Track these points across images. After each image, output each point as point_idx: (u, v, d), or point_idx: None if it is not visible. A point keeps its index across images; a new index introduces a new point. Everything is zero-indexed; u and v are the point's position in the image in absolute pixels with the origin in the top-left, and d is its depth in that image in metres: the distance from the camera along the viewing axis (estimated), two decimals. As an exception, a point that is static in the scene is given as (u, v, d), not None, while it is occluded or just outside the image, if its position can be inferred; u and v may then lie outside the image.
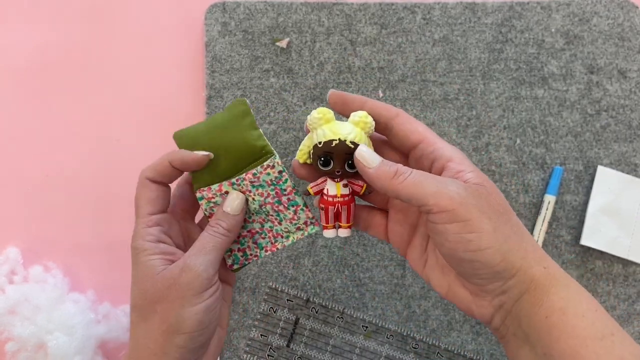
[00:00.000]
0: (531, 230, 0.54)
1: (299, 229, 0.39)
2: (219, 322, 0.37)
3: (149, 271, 0.35)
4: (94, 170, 0.55)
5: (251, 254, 0.40)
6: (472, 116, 0.56)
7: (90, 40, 0.57)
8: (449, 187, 0.32)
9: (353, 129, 0.35)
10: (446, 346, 0.51)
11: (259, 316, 0.52)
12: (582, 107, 0.56)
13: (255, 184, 0.37)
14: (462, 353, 0.51)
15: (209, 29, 0.56)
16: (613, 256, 0.54)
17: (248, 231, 0.39)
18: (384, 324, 0.51)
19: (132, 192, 0.55)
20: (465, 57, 0.56)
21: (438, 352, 0.51)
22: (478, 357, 0.52)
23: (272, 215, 0.39)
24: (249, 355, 0.51)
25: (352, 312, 0.51)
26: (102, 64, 0.57)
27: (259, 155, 0.37)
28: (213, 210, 0.38)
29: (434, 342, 0.51)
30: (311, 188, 0.38)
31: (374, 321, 0.51)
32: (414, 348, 0.51)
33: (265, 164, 0.37)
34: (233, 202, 0.37)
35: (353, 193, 0.37)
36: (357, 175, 0.36)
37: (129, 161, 0.55)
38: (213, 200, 0.38)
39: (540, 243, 0.53)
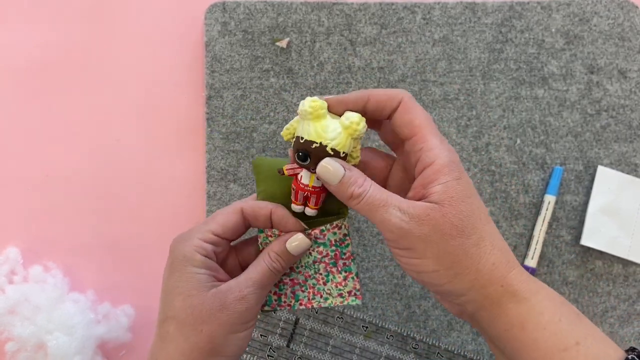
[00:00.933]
0: (531, 231, 0.54)
1: (340, 295, 0.38)
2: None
3: (198, 286, 0.34)
4: (94, 170, 0.55)
5: (285, 302, 0.39)
6: (472, 116, 0.56)
7: (90, 40, 0.57)
8: (393, 218, 0.32)
9: (338, 135, 0.34)
10: (446, 346, 0.51)
11: (258, 316, 0.52)
12: (582, 107, 0.56)
13: (320, 240, 0.37)
14: (462, 353, 0.51)
15: (209, 28, 0.56)
16: (613, 256, 0.54)
17: (291, 279, 0.39)
18: (384, 324, 0.51)
19: (132, 192, 0.55)
20: (465, 57, 0.56)
21: (438, 353, 0.51)
22: (478, 358, 0.52)
23: (320, 274, 0.38)
24: (248, 355, 0.51)
25: (352, 312, 0.51)
26: (102, 64, 0.57)
27: (335, 211, 0.37)
28: (268, 246, 0.38)
29: (434, 342, 0.51)
30: (286, 169, 0.36)
31: (374, 321, 0.51)
32: (414, 348, 0.51)
33: (335, 222, 0.37)
34: (298, 244, 0.36)
35: (324, 190, 0.36)
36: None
37: (129, 161, 0.55)
38: (271, 238, 0.38)
39: (540, 243, 0.53)
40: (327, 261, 0.38)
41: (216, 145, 0.55)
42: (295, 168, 0.36)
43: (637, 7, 0.57)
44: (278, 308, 0.39)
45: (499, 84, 0.56)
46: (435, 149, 0.33)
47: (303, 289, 0.39)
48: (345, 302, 0.38)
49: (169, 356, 0.34)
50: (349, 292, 0.38)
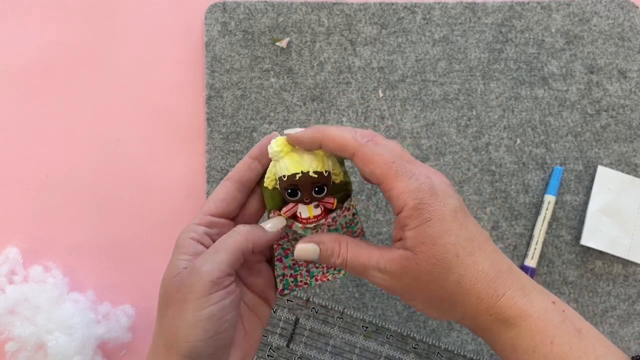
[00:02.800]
0: (531, 231, 0.54)
1: None
2: (250, 340, 0.36)
3: (172, 271, 0.34)
4: (94, 170, 0.55)
5: (301, 281, 0.40)
6: (472, 116, 0.56)
7: (91, 40, 0.57)
8: (376, 280, 0.34)
9: (314, 158, 0.35)
10: (446, 346, 0.51)
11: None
12: (582, 107, 0.56)
13: (332, 227, 0.37)
14: (462, 353, 0.51)
15: (209, 28, 0.56)
16: (613, 256, 0.54)
17: (305, 261, 0.39)
18: (384, 324, 0.51)
19: (132, 192, 0.55)
20: (465, 57, 0.56)
21: (438, 352, 0.51)
22: (478, 357, 0.52)
23: None
24: (248, 355, 0.51)
25: (352, 312, 0.51)
26: (102, 64, 0.57)
27: (342, 189, 0.38)
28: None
29: (434, 342, 0.51)
30: (284, 213, 0.37)
31: (374, 321, 0.51)
32: (414, 348, 0.51)
33: (344, 206, 0.38)
34: (276, 223, 0.36)
35: (326, 210, 0.37)
36: (326, 195, 0.37)
37: (129, 161, 0.55)
38: (287, 231, 0.38)
39: (540, 243, 0.53)
40: None
41: (216, 145, 0.55)
42: (291, 208, 0.37)
43: (637, 7, 0.57)
44: (296, 289, 0.40)
45: (499, 84, 0.56)
46: (401, 195, 0.33)
47: (317, 265, 0.40)
48: None
49: (154, 341, 0.34)
50: None
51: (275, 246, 0.39)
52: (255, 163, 0.37)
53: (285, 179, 0.35)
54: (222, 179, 0.54)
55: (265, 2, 0.56)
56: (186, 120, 0.56)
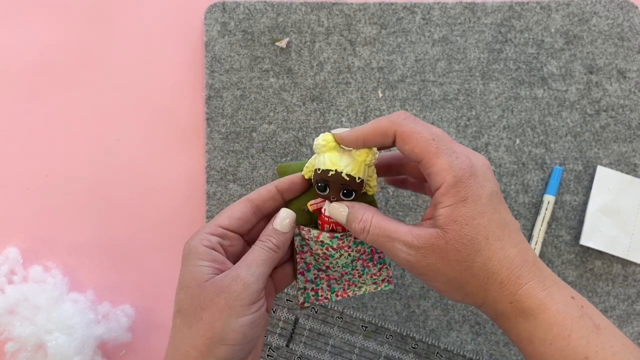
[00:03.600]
0: (531, 231, 0.54)
1: (374, 284, 0.40)
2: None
3: (198, 277, 0.35)
4: (94, 170, 0.55)
5: (322, 296, 0.41)
6: (471, 116, 0.56)
7: (90, 40, 0.57)
8: (400, 253, 0.34)
9: (351, 162, 0.36)
10: (445, 346, 0.51)
11: (272, 312, 0.52)
12: (582, 107, 0.56)
13: (358, 240, 0.38)
14: (461, 353, 0.52)
15: (209, 29, 0.56)
16: (612, 256, 0.54)
17: (327, 275, 0.40)
18: (383, 324, 0.51)
19: (132, 192, 0.55)
20: (465, 57, 0.56)
21: (437, 352, 0.51)
22: (477, 357, 0.52)
23: (357, 270, 0.40)
24: (248, 355, 0.51)
25: (351, 312, 0.51)
26: (102, 64, 0.57)
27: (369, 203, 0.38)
28: (303, 249, 0.39)
29: (433, 342, 0.51)
30: (310, 205, 0.38)
31: (373, 321, 0.51)
32: (414, 348, 0.51)
33: None
34: (283, 220, 0.38)
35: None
36: (354, 199, 0.37)
37: (128, 161, 0.55)
38: (307, 241, 0.39)
39: (539, 243, 0.53)
40: (364, 257, 0.39)
41: (216, 145, 0.55)
42: (319, 202, 0.38)
43: (636, 7, 0.57)
44: (316, 302, 0.41)
45: (498, 84, 0.56)
46: (441, 171, 0.33)
47: (339, 282, 0.40)
48: (379, 289, 0.40)
49: (176, 347, 0.35)
50: (383, 280, 0.40)
51: (298, 259, 0.40)
52: (279, 195, 0.38)
53: (319, 172, 0.36)
54: (221, 179, 0.54)
55: (265, 2, 0.56)
56: (186, 120, 0.56)
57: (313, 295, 0.40)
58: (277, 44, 0.56)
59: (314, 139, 0.55)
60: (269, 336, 0.51)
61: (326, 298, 0.41)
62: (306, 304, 0.40)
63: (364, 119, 0.55)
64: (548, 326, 0.33)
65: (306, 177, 0.38)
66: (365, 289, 0.41)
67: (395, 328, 0.51)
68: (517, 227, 0.35)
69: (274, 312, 0.51)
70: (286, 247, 0.38)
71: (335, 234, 0.38)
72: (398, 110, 0.55)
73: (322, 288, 0.40)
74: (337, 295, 0.41)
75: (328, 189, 0.36)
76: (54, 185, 0.55)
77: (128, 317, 0.52)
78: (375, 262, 0.40)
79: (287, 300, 0.51)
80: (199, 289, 0.34)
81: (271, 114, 0.55)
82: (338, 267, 0.39)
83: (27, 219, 0.55)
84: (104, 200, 0.55)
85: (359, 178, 0.36)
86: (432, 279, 0.34)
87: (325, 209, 0.38)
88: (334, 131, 0.37)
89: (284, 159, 0.55)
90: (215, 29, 0.56)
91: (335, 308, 0.51)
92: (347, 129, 0.37)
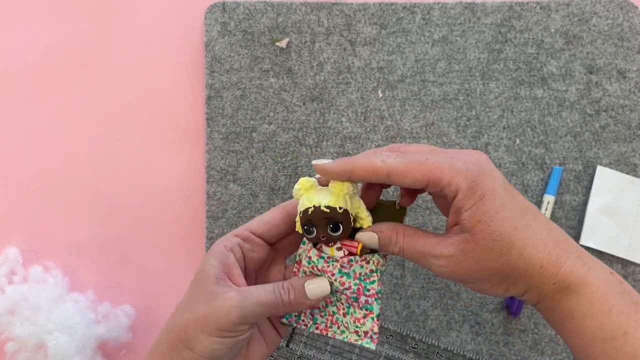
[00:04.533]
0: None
1: (356, 333, 0.37)
2: None
3: (203, 276, 0.35)
4: (94, 170, 0.55)
5: (303, 320, 0.39)
6: (471, 116, 0.56)
7: (90, 40, 0.57)
8: (434, 267, 0.34)
9: (328, 194, 0.35)
10: (445, 346, 0.52)
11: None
12: (582, 107, 0.56)
13: (344, 270, 0.36)
14: (461, 353, 0.52)
15: (209, 29, 0.56)
16: (612, 256, 0.54)
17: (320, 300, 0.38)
18: (383, 324, 0.51)
19: (132, 192, 0.55)
20: (465, 57, 0.56)
21: (437, 352, 0.51)
22: (477, 357, 0.52)
23: (342, 304, 0.37)
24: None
25: (351, 312, 0.51)
26: (102, 64, 0.57)
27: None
28: (302, 259, 0.38)
29: (433, 342, 0.51)
30: (308, 252, 0.37)
31: (373, 321, 0.51)
32: (414, 348, 0.51)
33: (366, 255, 0.36)
34: (317, 289, 0.36)
35: (350, 254, 0.36)
36: (347, 237, 0.36)
37: (128, 161, 0.55)
38: (305, 253, 0.37)
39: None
40: (348, 294, 0.36)
41: (216, 145, 0.55)
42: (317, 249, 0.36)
43: (636, 7, 0.57)
44: (295, 325, 0.39)
45: (498, 84, 0.56)
46: (452, 179, 0.32)
47: (322, 314, 0.38)
48: (359, 342, 0.37)
49: (163, 330, 0.36)
50: (365, 333, 0.37)
51: (295, 270, 0.38)
52: None
53: (301, 215, 0.35)
54: (221, 179, 0.54)
55: (265, 2, 0.56)
56: (186, 120, 0.56)
57: (295, 316, 0.38)
58: (277, 44, 0.56)
59: (314, 139, 0.55)
60: (269, 336, 0.51)
61: (305, 325, 0.38)
62: (285, 320, 0.39)
63: (364, 119, 0.55)
64: (590, 301, 0.33)
65: (299, 230, 0.36)
66: (346, 336, 0.37)
67: (395, 328, 0.51)
68: (535, 207, 0.35)
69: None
70: (297, 310, 0.36)
71: (323, 254, 0.36)
72: (398, 110, 0.56)
73: (304, 312, 0.38)
74: (317, 328, 0.38)
75: (314, 229, 0.35)
76: (54, 185, 0.55)
77: (128, 317, 0.52)
78: (360, 305, 0.36)
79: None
80: (198, 288, 0.35)
81: (271, 114, 0.55)
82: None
83: (27, 219, 0.55)
84: (104, 200, 0.55)
85: (340, 208, 0.34)
86: (471, 282, 0.34)
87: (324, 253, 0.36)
88: (315, 162, 0.35)
89: (284, 159, 0.55)
90: (216, 29, 0.56)
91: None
92: (329, 160, 0.35)
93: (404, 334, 0.51)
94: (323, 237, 0.35)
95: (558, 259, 0.33)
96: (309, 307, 0.36)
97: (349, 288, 0.36)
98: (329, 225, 0.34)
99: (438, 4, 0.57)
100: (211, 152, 0.55)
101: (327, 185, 0.36)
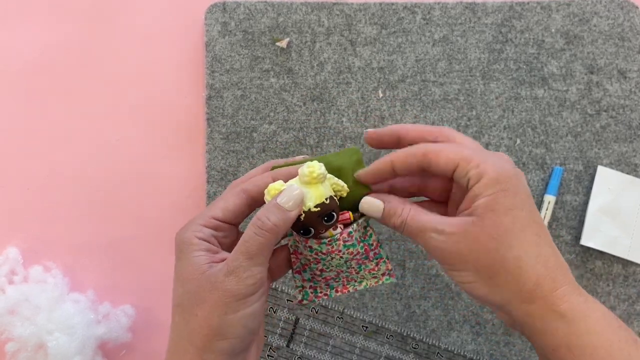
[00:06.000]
0: (531, 231, 0.54)
1: (374, 278, 0.39)
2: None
3: (194, 269, 0.33)
4: (94, 170, 0.55)
5: (321, 292, 0.39)
6: (472, 116, 0.56)
7: (90, 40, 0.57)
8: (431, 241, 0.33)
9: (308, 193, 0.34)
10: (446, 346, 0.51)
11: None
12: (582, 107, 0.56)
13: (348, 243, 0.36)
14: (461, 353, 0.51)
15: (209, 29, 0.56)
16: (613, 256, 0.54)
17: (323, 278, 0.39)
18: (383, 324, 0.51)
19: (132, 192, 0.55)
20: (465, 57, 0.56)
21: (438, 352, 0.51)
22: (478, 357, 0.52)
23: (353, 268, 0.38)
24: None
25: (352, 312, 0.51)
26: (102, 64, 0.57)
27: (355, 198, 0.37)
28: (298, 248, 0.37)
29: (433, 342, 0.51)
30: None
31: (374, 321, 0.51)
32: (414, 348, 0.51)
33: (360, 220, 0.37)
34: (290, 195, 0.34)
35: (345, 226, 0.36)
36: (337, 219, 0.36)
37: (129, 161, 0.55)
38: (303, 244, 0.37)
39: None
40: (358, 258, 0.38)
41: (216, 145, 0.55)
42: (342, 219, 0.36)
43: (637, 7, 0.57)
44: (316, 299, 0.40)
45: (498, 84, 0.56)
46: (482, 164, 0.32)
47: (337, 280, 0.39)
48: (380, 282, 0.39)
49: (176, 343, 0.34)
50: (383, 274, 0.39)
51: (293, 259, 0.39)
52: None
53: (294, 227, 0.35)
54: (221, 179, 0.54)
55: (265, 2, 0.56)
56: (186, 120, 0.56)
57: (312, 292, 0.39)
58: (277, 44, 0.56)
59: (314, 139, 0.55)
60: (269, 336, 0.51)
61: (325, 294, 0.39)
62: (305, 301, 0.39)
63: (364, 119, 0.55)
64: (588, 334, 0.31)
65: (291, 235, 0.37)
66: (366, 283, 0.39)
67: (396, 328, 0.51)
68: (547, 230, 0.34)
69: (274, 313, 0.51)
70: (287, 228, 0.34)
71: (323, 240, 0.36)
72: (398, 110, 0.56)
73: (320, 286, 0.39)
74: (336, 291, 0.39)
75: (312, 230, 0.35)
76: (54, 185, 0.55)
77: (128, 317, 0.52)
78: (371, 259, 0.38)
79: (287, 300, 0.51)
80: (195, 282, 0.33)
81: (271, 114, 0.55)
82: (332, 267, 0.38)
83: (27, 219, 0.55)
84: (104, 200, 0.55)
85: (326, 199, 0.34)
86: (461, 267, 0.33)
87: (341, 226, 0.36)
88: (369, 130, 0.38)
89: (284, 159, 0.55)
90: (216, 29, 0.56)
91: (336, 308, 0.51)
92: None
93: (405, 334, 0.51)
94: (322, 231, 0.35)
95: (555, 281, 0.32)
96: (294, 218, 0.34)
97: (357, 253, 0.37)
98: (323, 220, 0.35)
99: (438, 4, 0.57)
100: (211, 152, 0.55)
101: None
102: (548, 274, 0.32)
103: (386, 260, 0.39)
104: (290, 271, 0.40)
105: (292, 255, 0.38)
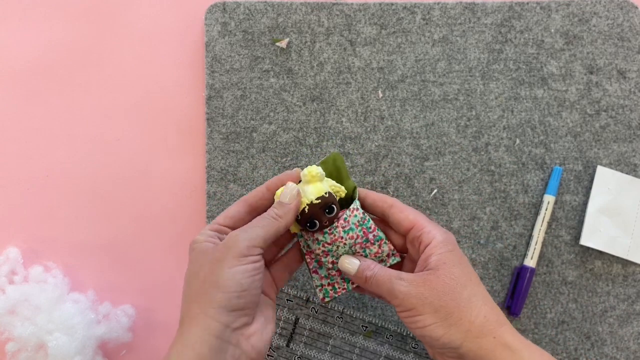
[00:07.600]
0: (531, 231, 0.54)
1: (382, 260, 0.43)
2: (268, 318, 0.40)
3: (200, 252, 0.39)
4: (94, 170, 0.55)
5: (340, 287, 0.44)
6: (471, 116, 0.56)
7: (90, 40, 0.57)
8: (396, 286, 0.40)
9: (309, 189, 0.41)
10: (446, 346, 0.52)
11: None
12: (582, 107, 0.56)
13: (346, 228, 0.42)
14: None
15: (209, 29, 0.56)
16: (612, 256, 0.54)
17: (337, 271, 0.44)
18: (383, 324, 0.51)
19: (132, 192, 0.55)
20: (465, 57, 0.56)
21: (438, 352, 0.51)
22: (477, 357, 0.52)
23: (359, 253, 0.43)
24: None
25: (351, 312, 0.51)
26: (102, 64, 0.57)
27: (348, 201, 0.43)
28: (310, 248, 0.43)
29: (433, 342, 0.52)
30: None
31: (373, 321, 0.51)
32: (414, 348, 0.52)
33: (352, 207, 0.42)
34: (286, 192, 0.41)
35: (340, 208, 0.42)
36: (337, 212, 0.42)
37: (129, 161, 0.56)
38: (307, 241, 0.43)
39: (539, 243, 0.53)
40: (360, 241, 0.42)
41: (216, 145, 0.55)
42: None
43: (636, 7, 0.57)
44: (336, 295, 0.44)
45: (498, 84, 0.56)
46: (432, 231, 0.41)
47: None
48: (387, 264, 0.43)
49: (184, 309, 0.38)
50: (387, 255, 0.43)
51: (308, 260, 0.44)
52: (269, 194, 0.42)
53: (300, 218, 0.41)
54: (221, 179, 0.54)
55: (265, 2, 0.56)
56: (186, 120, 0.56)
57: (331, 290, 0.44)
58: (277, 44, 0.56)
59: (314, 139, 0.55)
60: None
61: (344, 288, 0.44)
62: (326, 299, 0.44)
63: (364, 119, 0.55)
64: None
65: (295, 232, 0.43)
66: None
67: (396, 328, 0.52)
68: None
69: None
70: (290, 219, 0.40)
71: (325, 230, 0.41)
72: (398, 110, 0.56)
73: (337, 281, 0.44)
74: (352, 283, 0.44)
75: (317, 222, 0.41)
76: (54, 185, 0.55)
77: (129, 317, 0.52)
78: (372, 242, 0.42)
79: (287, 300, 0.51)
80: (200, 257, 0.39)
81: (271, 114, 0.56)
82: (340, 255, 0.42)
83: (27, 219, 0.55)
84: (104, 200, 0.55)
85: (326, 193, 0.41)
86: (420, 311, 0.39)
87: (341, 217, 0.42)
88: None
89: (284, 159, 0.55)
90: (216, 29, 0.56)
91: (336, 308, 0.51)
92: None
93: (404, 334, 0.52)
94: (325, 223, 0.41)
95: (498, 319, 0.39)
96: (294, 210, 0.40)
97: (357, 237, 0.42)
98: (325, 212, 0.41)
99: (438, 4, 0.57)
100: (211, 152, 0.55)
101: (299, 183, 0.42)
102: (493, 312, 0.39)
103: (386, 241, 0.43)
104: (289, 272, 0.45)
105: (305, 256, 0.44)
